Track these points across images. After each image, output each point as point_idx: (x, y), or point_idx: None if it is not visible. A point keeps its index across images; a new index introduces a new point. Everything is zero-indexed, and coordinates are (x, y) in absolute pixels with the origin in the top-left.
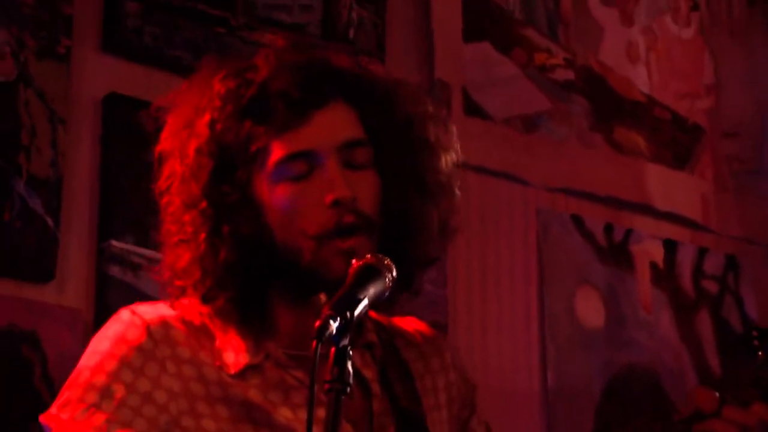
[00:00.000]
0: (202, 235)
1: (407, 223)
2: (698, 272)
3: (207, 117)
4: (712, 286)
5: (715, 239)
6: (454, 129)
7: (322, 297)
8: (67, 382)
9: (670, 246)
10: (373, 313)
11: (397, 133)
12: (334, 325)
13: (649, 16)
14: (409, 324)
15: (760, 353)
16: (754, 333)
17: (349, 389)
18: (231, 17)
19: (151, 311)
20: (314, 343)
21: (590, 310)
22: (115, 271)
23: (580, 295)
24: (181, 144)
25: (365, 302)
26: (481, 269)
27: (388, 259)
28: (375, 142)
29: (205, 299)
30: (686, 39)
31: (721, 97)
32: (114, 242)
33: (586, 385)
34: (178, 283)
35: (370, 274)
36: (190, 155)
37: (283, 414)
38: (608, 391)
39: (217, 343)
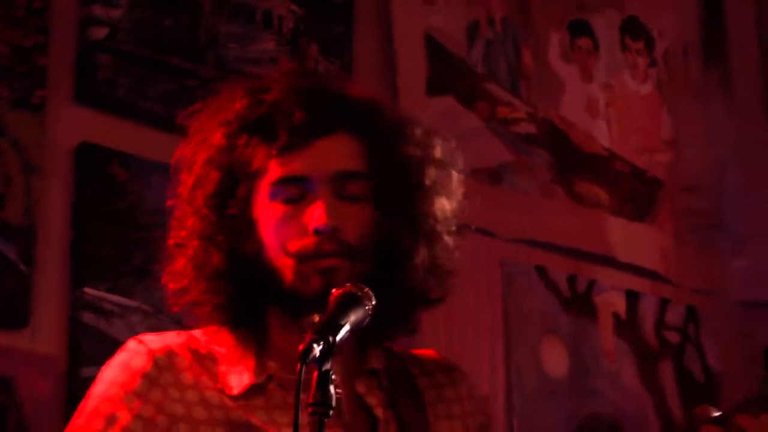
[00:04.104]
0: (198, 241)
1: (397, 259)
2: (660, 323)
3: (219, 131)
4: (673, 337)
5: (675, 290)
6: (458, 176)
7: (316, 318)
8: (76, 411)
9: (633, 297)
10: (389, 344)
11: (397, 173)
12: (317, 349)
13: (608, 73)
14: (427, 355)
15: (765, 371)
16: None
17: (331, 412)
18: (202, 69)
19: (156, 340)
20: (298, 366)
21: (555, 360)
22: (88, 317)
23: (545, 345)
24: (195, 154)
25: (347, 328)
26: (446, 319)
27: (368, 288)
28: (375, 176)
29: (196, 304)
30: (644, 95)
31: (679, 152)
32: (87, 289)
33: None
34: (173, 285)
35: (350, 301)
36: (199, 165)
37: None
38: None
39: (221, 367)
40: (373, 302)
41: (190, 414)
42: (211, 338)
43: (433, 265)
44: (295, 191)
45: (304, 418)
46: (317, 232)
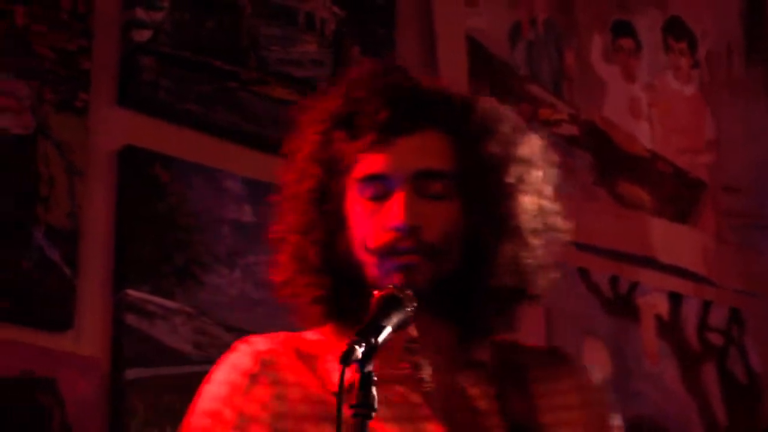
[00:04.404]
0: (297, 236)
1: (482, 257)
2: (703, 325)
3: (315, 127)
4: (716, 339)
5: (717, 292)
6: (549, 173)
7: (414, 332)
8: (188, 409)
9: (675, 299)
10: (501, 337)
11: (483, 171)
12: (359, 351)
13: (651, 74)
14: (540, 346)
15: None
16: None
17: (373, 413)
18: (243, 71)
19: (262, 341)
20: (340, 367)
21: (597, 362)
22: (131, 319)
23: (587, 346)
24: (297, 150)
25: (389, 329)
26: None
27: (410, 290)
28: (461, 174)
29: (295, 295)
30: (687, 96)
31: (722, 153)
32: (130, 291)
33: None
34: (277, 278)
35: (392, 303)
36: (300, 161)
37: (389, 429)
38: None
39: (324, 364)
40: (415, 304)
41: (294, 410)
42: (315, 337)
43: (519, 263)
44: (379, 189)
45: (401, 413)
46: (395, 229)
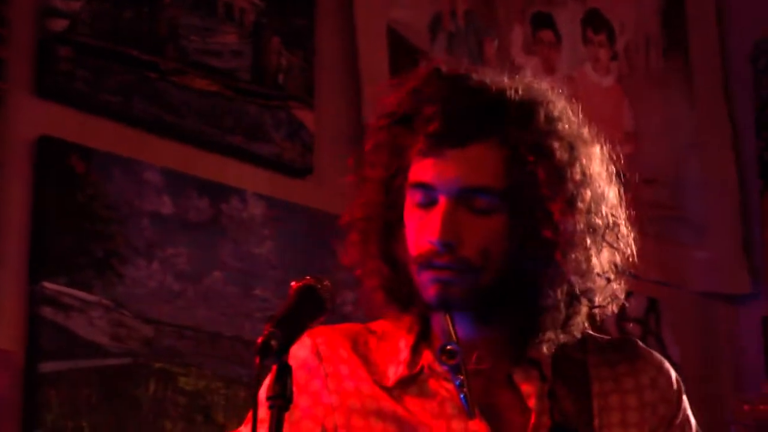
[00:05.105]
0: (363, 222)
1: (525, 274)
2: (621, 315)
3: (384, 120)
4: (634, 329)
5: (636, 282)
6: (602, 189)
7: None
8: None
9: None
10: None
11: (531, 189)
12: (276, 342)
13: (570, 66)
14: (617, 341)
15: None
16: None
17: (291, 405)
18: (162, 62)
19: (321, 332)
20: (257, 359)
21: None
22: (46, 312)
23: None
24: (370, 138)
25: (305, 320)
26: None
27: (328, 281)
28: (510, 190)
29: (362, 277)
30: (606, 87)
31: (640, 144)
32: (46, 283)
33: None
34: (347, 260)
35: (309, 294)
36: (371, 148)
37: (437, 425)
38: None
39: (379, 357)
40: (333, 296)
41: (344, 404)
42: (376, 331)
43: (564, 279)
44: (426, 197)
45: (452, 410)
46: (432, 243)
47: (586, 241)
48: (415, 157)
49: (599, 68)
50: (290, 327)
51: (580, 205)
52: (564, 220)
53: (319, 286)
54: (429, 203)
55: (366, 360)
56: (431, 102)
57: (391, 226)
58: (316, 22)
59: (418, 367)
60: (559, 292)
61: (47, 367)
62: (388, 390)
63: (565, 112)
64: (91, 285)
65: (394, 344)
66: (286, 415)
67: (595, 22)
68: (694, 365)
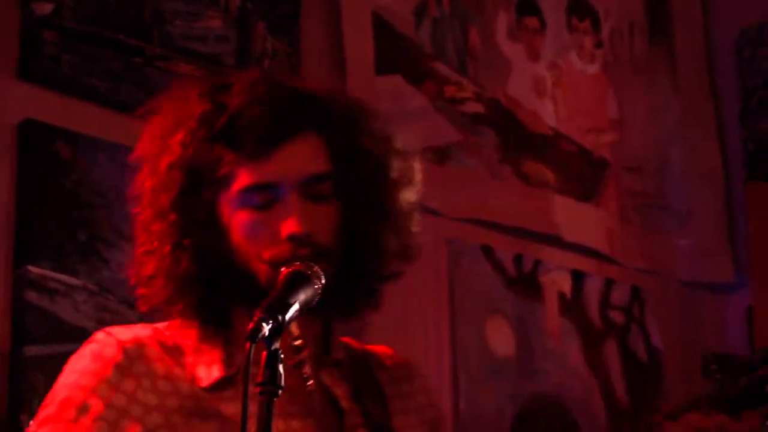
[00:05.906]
0: (168, 247)
1: (365, 246)
2: (605, 303)
3: (180, 135)
4: (618, 317)
5: (620, 271)
6: (417, 165)
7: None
8: (45, 400)
9: (578, 277)
10: (346, 339)
11: (356, 167)
12: (266, 328)
13: (555, 53)
14: (381, 350)
15: (717, 376)
16: (712, 364)
17: (280, 391)
18: (147, 47)
19: (124, 332)
20: (247, 344)
21: (500, 340)
22: (31, 296)
23: (491, 324)
24: (155, 156)
25: (296, 306)
26: (391, 299)
27: (317, 267)
28: (338, 173)
29: (168, 303)
30: (591, 75)
31: (625, 132)
32: (31, 267)
33: (497, 414)
34: (143, 291)
35: (299, 280)
36: (162, 169)
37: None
38: (519, 419)
39: (190, 359)
40: (323, 281)
41: (162, 404)
42: (176, 331)
43: (401, 246)
44: (265, 198)
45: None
46: (291, 238)
47: (399, 222)
48: (242, 165)
49: (584, 56)
50: (280, 312)
51: (393, 185)
52: (376, 205)
53: (309, 271)
54: (269, 203)
55: (176, 360)
56: (251, 104)
57: (206, 243)
58: (301, 8)
59: (234, 368)
60: (378, 269)
61: (32, 350)
62: (205, 390)
63: (376, 119)
64: (77, 269)
65: (201, 347)
66: (104, 416)
67: (579, 8)
68: (677, 354)
